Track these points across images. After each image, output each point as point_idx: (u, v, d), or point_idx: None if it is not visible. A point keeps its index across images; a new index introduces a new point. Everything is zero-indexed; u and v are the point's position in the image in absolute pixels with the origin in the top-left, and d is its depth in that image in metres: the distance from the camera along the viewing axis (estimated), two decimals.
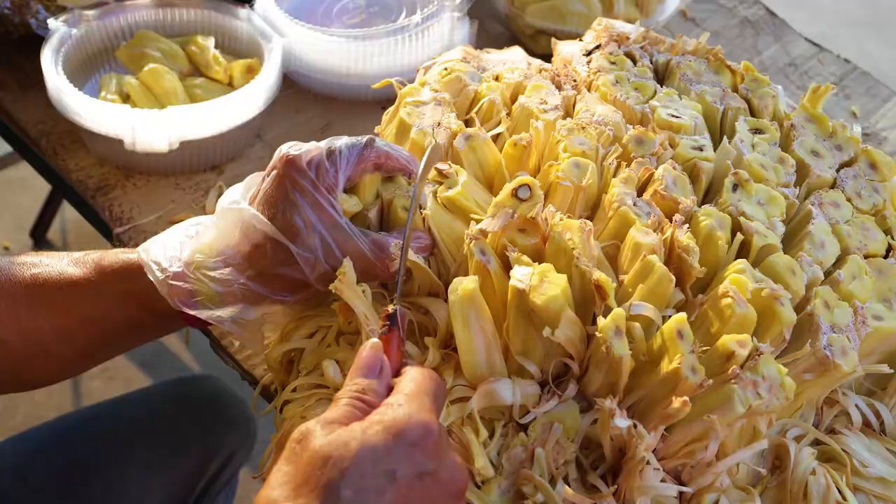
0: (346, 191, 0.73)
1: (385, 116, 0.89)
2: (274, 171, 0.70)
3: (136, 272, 0.72)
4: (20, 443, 1.06)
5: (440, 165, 0.76)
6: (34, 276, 0.73)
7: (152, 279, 0.71)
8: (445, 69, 0.89)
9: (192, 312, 0.71)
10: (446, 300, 0.74)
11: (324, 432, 0.55)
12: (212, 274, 0.70)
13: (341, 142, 0.71)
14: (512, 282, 0.67)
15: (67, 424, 1.10)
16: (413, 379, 0.59)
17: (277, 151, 0.71)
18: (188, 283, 0.70)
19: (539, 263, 0.69)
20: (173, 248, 0.72)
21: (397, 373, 0.62)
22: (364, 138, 0.73)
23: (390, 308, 0.64)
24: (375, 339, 0.62)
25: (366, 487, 0.53)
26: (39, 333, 0.73)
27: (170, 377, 1.29)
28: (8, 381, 0.76)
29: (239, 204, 0.71)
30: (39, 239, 2.20)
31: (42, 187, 2.20)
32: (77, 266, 0.74)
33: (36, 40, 1.11)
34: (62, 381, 0.81)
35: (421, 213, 0.74)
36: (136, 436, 1.08)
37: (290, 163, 0.69)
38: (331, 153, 0.70)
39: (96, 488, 1.02)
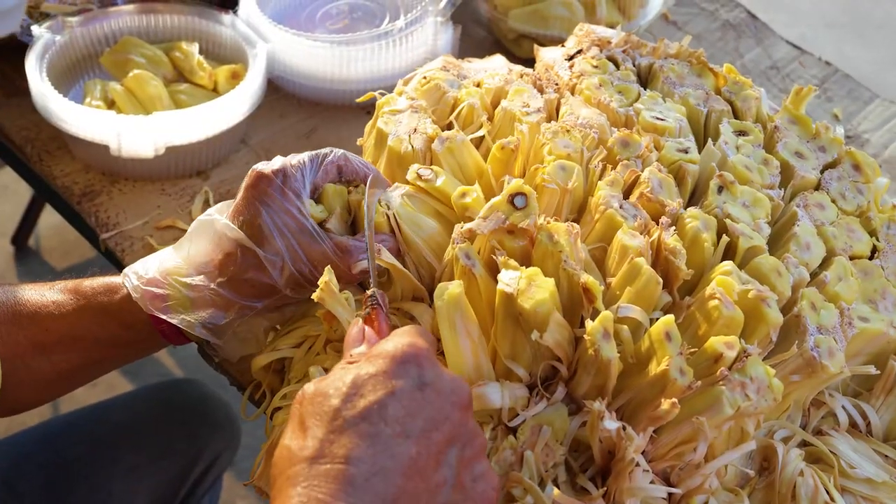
0: (313, 200, 0.76)
1: (367, 128, 0.89)
2: (244, 184, 0.74)
3: (114, 290, 0.76)
4: (6, 447, 1.05)
5: (422, 170, 0.77)
6: (16, 298, 0.77)
7: (127, 286, 0.74)
8: (425, 78, 0.89)
9: (162, 317, 0.73)
10: (430, 304, 0.75)
11: (319, 378, 0.58)
12: (184, 280, 0.74)
13: (303, 154, 0.76)
14: (500, 286, 0.67)
15: (53, 428, 1.09)
16: (396, 332, 0.61)
17: (250, 170, 0.76)
18: (161, 288, 0.74)
19: (526, 266, 0.69)
20: (152, 262, 0.76)
21: None
22: (330, 149, 0.77)
23: (369, 292, 0.66)
24: (359, 319, 0.65)
25: (367, 406, 0.54)
26: (18, 349, 0.75)
27: (152, 382, 1.29)
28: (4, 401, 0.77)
29: (212, 216, 0.75)
30: (21, 245, 2.18)
31: (23, 194, 2.18)
32: (57, 290, 0.78)
33: (19, 47, 1.10)
34: (41, 404, 0.83)
35: (386, 216, 0.75)
36: (121, 439, 1.08)
37: (259, 174, 0.73)
38: (294, 163, 0.75)
39: (82, 492, 1.02)
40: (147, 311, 0.74)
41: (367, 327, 0.64)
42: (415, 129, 0.81)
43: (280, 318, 0.80)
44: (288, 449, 0.55)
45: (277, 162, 0.74)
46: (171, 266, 0.75)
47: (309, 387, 0.57)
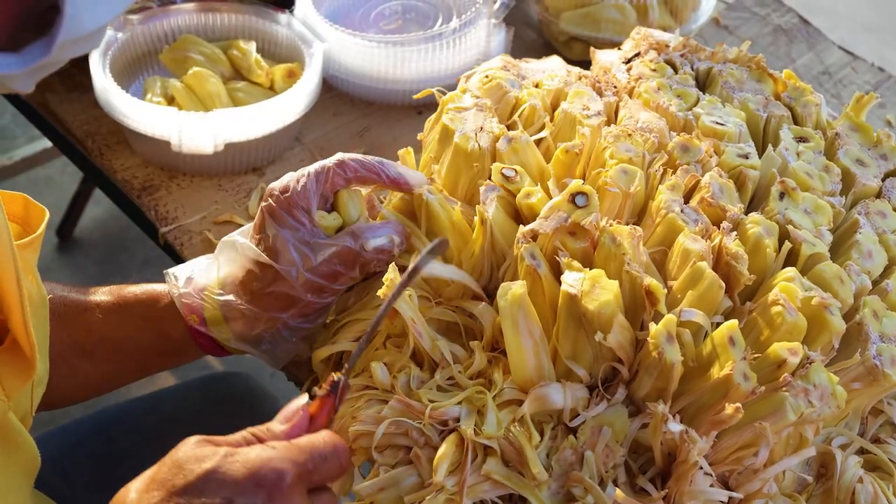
0: (331, 208, 0.78)
1: (427, 123, 0.90)
2: (260, 204, 0.77)
3: (155, 300, 0.79)
4: (60, 435, 1.07)
5: (506, 170, 0.78)
6: (61, 298, 0.80)
7: (172, 291, 0.78)
8: (486, 76, 0.90)
9: (200, 329, 0.77)
10: (490, 303, 0.76)
11: (196, 442, 0.60)
12: (215, 298, 0.77)
13: (311, 166, 0.77)
14: (563, 287, 0.68)
15: (104, 418, 1.11)
16: (312, 435, 0.61)
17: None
18: (197, 302, 0.77)
19: (587, 268, 0.70)
20: (190, 271, 0.80)
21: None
22: (333, 157, 0.78)
23: (335, 376, 0.65)
24: (304, 395, 0.65)
25: None
26: (62, 347, 0.78)
27: (195, 374, 1.31)
28: (48, 397, 0.79)
29: (233, 237, 0.78)
30: (66, 237, 2.22)
31: (68, 186, 2.22)
32: (102, 294, 0.81)
33: None
34: (87, 400, 0.86)
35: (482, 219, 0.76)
36: (169, 431, 1.09)
37: (268, 194, 0.76)
38: (301, 175, 0.77)
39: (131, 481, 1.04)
40: (187, 321, 0.77)
41: (302, 411, 0.64)
42: (481, 128, 0.82)
43: (314, 331, 0.82)
44: (127, 489, 0.59)
45: (284, 180, 0.77)
46: (204, 282, 0.78)
47: (184, 445, 0.60)
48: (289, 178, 0.77)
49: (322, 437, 0.61)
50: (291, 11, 1.17)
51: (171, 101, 1.08)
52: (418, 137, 0.91)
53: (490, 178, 0.79)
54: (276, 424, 0.63)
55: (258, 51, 1.14)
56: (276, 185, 0.77)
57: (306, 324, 0.79)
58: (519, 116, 0.87)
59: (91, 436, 1.07)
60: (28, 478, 0.74)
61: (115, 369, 0.82)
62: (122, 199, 1.07)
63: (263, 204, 0.76)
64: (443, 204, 0.78)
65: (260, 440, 0.62)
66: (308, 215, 0.75)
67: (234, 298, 0.76)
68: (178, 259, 0.99)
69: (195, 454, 0.59)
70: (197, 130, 1.01)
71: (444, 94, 0.90)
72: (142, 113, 1.02)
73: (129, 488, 0.60)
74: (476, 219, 0.76)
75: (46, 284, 0.80)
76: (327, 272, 0.75)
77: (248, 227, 0.79)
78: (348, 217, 0.78)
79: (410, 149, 0.87)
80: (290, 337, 0.79)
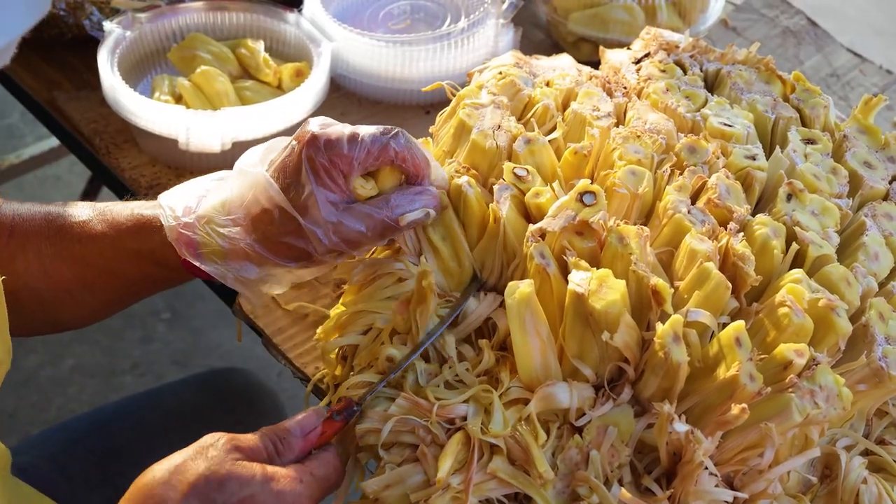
0: (366, 175, 0.74)
1: (440, 117, 0.90)
2: (295, 144, 0.72)
3: (149, 229, 0.76)
4: (60, 432, 1.08)
5: (518, 170, 0.78)
6: (58, 230, 0.78)
7: (164, 224, 0.74)
8: (500, 73, 0.90)
9: (196, 263, 0.74)
10: (501, 304, 0.76)
11: (232, 452, 0.64)
12: (220, 230, 0.73)
13: (366, 130, 0.72)
14: (570, 286, 0.68)
15: (104, 414, 1.12)
16: (325, 464, 0.67)
17: (305, 124, 0.73)
18: (197, 234, 0.73)
19: (595, 267, 0.70)
20: (191, 199, 0.75)
21: (317, 447, 0.69)
22: (391, 130, 0.73)
23: (355, 405, 0.70)
24: (322, 408, 0.69)
25: None
26: (64, 282, 0.78)
27: (196, 371, 1.31)
28: (43, 325, 0.83)
29: (256, 167, 0.73)
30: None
31: (76, 185, 2.22)
32: (96, 219, 0.78)
33: (88, 42, 1.13)
34: (92, 324, 0.87)
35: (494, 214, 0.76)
36: (170, 426, 1.10)
37: (312, 140, 0.71)
38: (353, 138, 0.71)
39: (131, 476, 1.04)
40: (181, 255, 0.74)
41: (319, 426, 0.68)
42: (499, 126, 0.82)
43: (313, 274, 0.79)
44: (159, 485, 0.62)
45: (335, 131, 0.71)
46: (207, 211, 0.74)
47: (213, 450, 0.64)
48: (337, 132, 0.71)
49: (333, 466, 0.67)
50: (300, 10, 1.17)
51: (178, 99, 1.08)
52: (430, 131, 0.91)
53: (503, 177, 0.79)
54: (293, 436, 0.67)
55: (266, 50, 1.15)
56: (322, 135, 0.71)
57: (308, 273, 0.78)
58: (533, 116, 0.87)
59: (90, 432, 1.07)
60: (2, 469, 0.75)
61: (114, 297, 0.82)
62: (130, 197, 1.07)
63: (306, 151, 0.70)
64: (479, 198, 0.78)
65: (277, 451, 0.66)
66: (347, 180, 0.71)
67: (240, 234, 0.72)
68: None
69: (238, 474, 0.62)
70: (204, 129, 1.01)
71: (456, 89, 0.90)
72: (149, 111, 1.02)
73: (159, 482, 0.62)
74: (490, 218, 0.77)
75: (37, 207, 0.79)
76: (354, 239, 0.72)
77: (264, 150, 0.75)
78: (384, 189, 0.75)
79: (430, 139, 0.87)
80: (281, 280, 0.77)
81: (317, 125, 0.72)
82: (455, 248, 0.78)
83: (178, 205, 0.75)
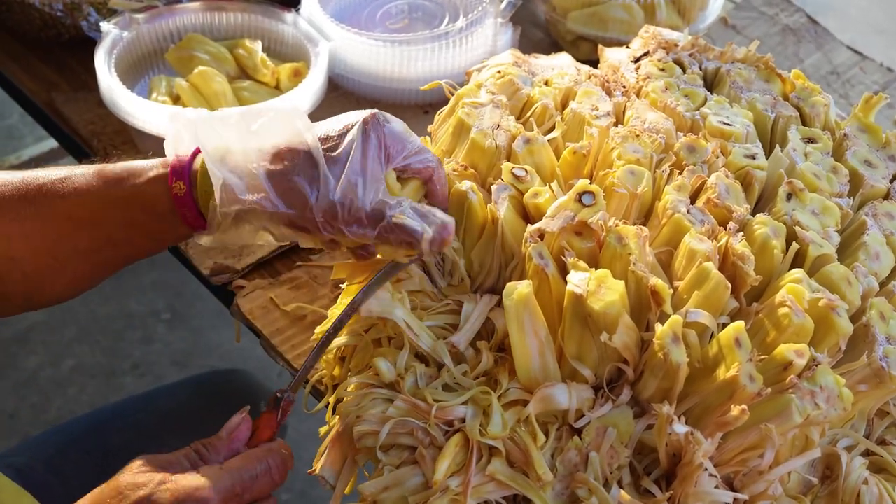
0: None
1: (438, 116, 0.90)
2: (355, 113, 0.73)
3: (137, 175, 0.74)
4: (54, 434, 1.08)
5: (516, 170, 0.78)
6: (38, 188, 0.75)
7: (172, 121, 0.73)
8: (499, 72, 0.90)
9: (202, 151, 0.71)
10: (499, 304, 0.75)
11: (139, 467, 0.65)
12: (240, 141, 0.72)
13: (417, 139, 0.75)
14: (569, 287, 0.68)
15: (100, 416, 1.12)
16: (245, 457, 0.67)
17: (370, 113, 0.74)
18: (215, 131, 0.72)
19: (594, 267, 0.69)
20: (216, 132, 0.73)
21: (253, 444, 0.69)
22: (432, 155, 0.75)
23: (279, 392, 0.70)
24: (246, 408, 0.70)
25: None
26: (47, 242, 0.75)
27: (195, 372, 1.31)
28: (21, 301, 0.78)
29: (297, 112, 0.73)
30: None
31: None
32: (79, 177, 0.75)
33: (85, 43, 1.13)
34: (74, 297, 0.82)
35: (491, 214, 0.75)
36: (166, 427, 1.10)
37: (374, 115, 0.72)
38: (409, 132, 0.74)
39: None
40: (178, 154, 0.73)
41: (245, 424, 0.69)
42: (498, 125, 0.82)
43: (282, 238, 0.75)
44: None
45: (397, 121, 0.74)
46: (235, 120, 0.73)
47: (133, 465, 0.66)
48: (402, 126, 0.74)
49: (254, 456, 0.66)
50: (297, 10, 1.17)
51: (176, 100, 1.07)
52: (429, 130, 0.91)
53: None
54: (219, 438, 0.68)
55: (264, 50, 1.14)
56: (384, 115, 0.73)
57: (280, 235, 0.74)
58: (531, 115, 0.87)
59: (87, 434, 1.07)
60: None
61: (102, 257, 0.78)
62: None
63: (366, 120, 0.71)
64: (481, 203, 0.78)
65: (201, 456, 0.67)
66: (386, 165, 0.72)
67: (255, 155, 0.71)
68: (183, 258, 0.99)
69: (134, 481, 0.64)
70: None
71: (455, 88, 0.90)
72: (147, 112, 1.02)
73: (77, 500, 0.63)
74: (488, 217, 0.76)
75: (11, 174, 0.76)
76: (354, 214, 0.70)
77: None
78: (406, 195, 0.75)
79: (428, 139, 0.87)
80: (253, 221, 0.73)
81: (382, 113, 0.73)
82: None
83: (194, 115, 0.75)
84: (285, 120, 0.72)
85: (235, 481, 0.65)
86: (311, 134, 0.71)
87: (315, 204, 0.70)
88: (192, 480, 0.64)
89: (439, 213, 0.72)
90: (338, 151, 0.70)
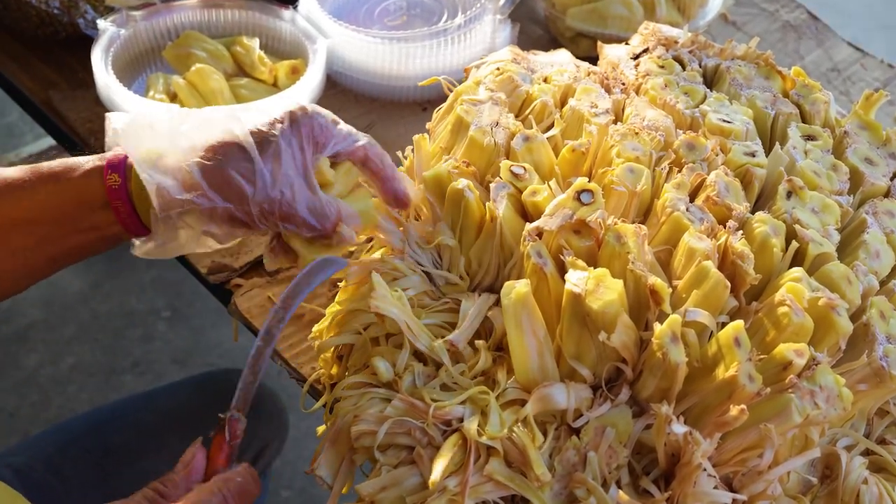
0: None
1: (436, 113, 0.89)
2: (282, 107, 0.74)
3: (73, 168, 0.72)
4: (56, 433, 1.07)
5: (515, 168, 0.77)
6: None
7: (108, 120, 0.72)
8: (498, 69, 0.89)
9: (130, 156, 0.70)
10: (497, 303, 0.75)
11: None
12: (170, 140, 0.71)
13: (344, 125, 0.76)
14: (567, 286, 0.67)
15: (100, 416, 1.11)
16: (199, 490, 0.65)
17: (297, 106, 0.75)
18: (144, 132, 0.72)
19: (592, 266, 0.69)
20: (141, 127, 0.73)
21: (209, 473, 0.68)
22: (365, 137, 0.77)
23: (225, 414, 0.69)
24: (199, 439, 0.69)
25: None
26: None
27: (199, 372, 1.31)
28: None
29: (234, 112, 0.74)
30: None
31: None
32: (12, 171, 0.74)
33: (82, 40, 1.13)
34: (8, 297, 0.79)
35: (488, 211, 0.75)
36: (167, 427, 1.10)
37: (302, 108, 0.74)
38: (336, 121, 0.75)
39: (127, 477, 1.04)
40: (109, 143, 0.72)
41: (198, 456, 0.68)
42: (497, 123, 0.82)
43: (225, 238, 0.75)
44: None
45: (324, 111, 0.75)
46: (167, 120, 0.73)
47: None
48: (327, 113, 0.75)
49: (208, 489, 0.66)
50: (295, 7, 1.17)
51: (173, 98, 1.07)
52: (427, 127, 0.91)
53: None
54: (175, 474, 0.67)
55: (261, 47, 1.14)
56: (311, 107, 0.74)
57: (217, 236, 0.74)
58: (531, 112, 0.86)
59: (86, 434, 1.06)
60: None
61: (38, 256, 0.74)
62: None
63: (293, 112, 0.73)
64: (478, 201, 0.77)
65: (161, 493, 0.66)
66: (316, 155, 0.74)
67: (184, 153, 0.70)
68: (181, 258, 0.98)
69: None
70: None
71: (454, 84, 0.89)
72: (144, 110, 1.01)
73: None
74: (486, 215, 0.76)
75: None
76: (287, 209, 0.72)
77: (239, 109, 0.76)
78: (340, 185, 0.78)
79: (426, 136, 0.87)
80: (192, 224, 0.73)
81: (308, 105, 0.75)
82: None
83: (128, 122, 0.73)
84: (216, 118, 0.73)
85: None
86: (240, 126, 0.71)
87: (252, 199, 0.70)
88: None
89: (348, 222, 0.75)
90: (270, 147, 0.71)
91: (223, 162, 0.70)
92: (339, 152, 0.76)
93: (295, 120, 0.72)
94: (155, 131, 0.72)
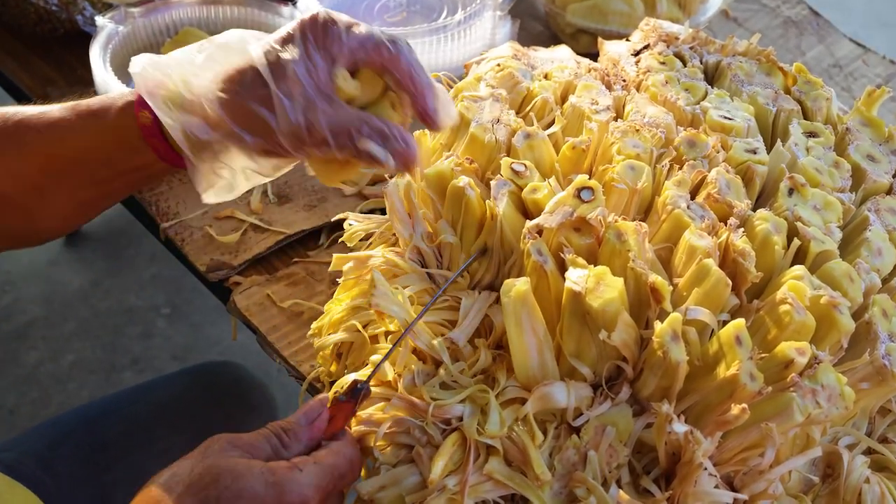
0: (351, 74, 0.68)
1: None
2: (296, 21, 0.68)
3: (108, 108, 0.72)
4: (45, 428, 1.07)
5: (515, 165, 0.77)
6: (16, 124, 0.73)
7: (133, 64, 0.69)
8: (498, 65, 0.89)
9: (148, 102, 0.68)
10: (497, 301, 0.75)
11: (229, 450, 0.62)
12: (188, 78, 0.68)
13: (365, 27, 0.68)
14: (567, 284, 0.67)
15: (92, 410, 1.11)
16: (334, 453, 0.64)
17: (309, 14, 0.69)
18: (161, 72, 0.68)
19: (592, 264, 0.69)
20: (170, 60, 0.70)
21: (333, 437, 0.66)
22: (394, 36, 0.69)
23: (359, 383, 0.67)
24: (324, 396, 0.66)
25: None
26: (31, 178, 0.74)
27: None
28: (20, 232, 0.78)
29: (247, 41, 0.68)
30: (73, 231, 2.22)
31: None
32: (57, 108, 0.74)
33: (81, 37, 1.12)
34: (68, 231, 0.83)
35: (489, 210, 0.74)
36: (158, 420, 1.09)
37: (313, 16, 0.67)
38: (351, 25, 0.68)
39: (118, 471, 1.03)
40: (138, 90, 0.69)
41: (325, 412, 0.66)
42: (498, 119, 0.81)
43: (271, 171, 0.72)
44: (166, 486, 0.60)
45: (341, 16, 0.68)
46: (180, 58, 0.69)
47: (217, 445, 0.62)
48: (344, 18, 0.68)
49: (344, 454, 0.64)
50: (294, 4, 1.16)
51: None
52: None
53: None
54: (298, 425, 0.65)
55: None
56: (324, 14, 0.67)
57: (260, 167, 0.70)
58: (531, 109, 0.86)
59: (77, 428, 1.06)
60: None
61: (85, 196, 0.76)
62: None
63: (303, 23, 0.66)
64: (479, 199, 0.77)
65: (282, 441, 0.64)
66: (332, 66, 0.66)
67: (206, 85, 0.67)
68: (180, 255, 0.98)
69: (233, 468, 0.60)
70: None
71: (453, 81, 0.89)
72: None
73: (162, 485, 0.60)
74: (487, 214, 0.75)
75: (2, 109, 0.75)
76: (317, 131, 0.65)
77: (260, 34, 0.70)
78: (363, 96, 0.69)
79: (426, 132, 0.86)
80: (231, 162, 0.70)
81: (319, 10, 0.68)
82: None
83: (156, 59, 0.70)
84: (231, 42, 0.69)
85: (329, 478, 0.62)
86: (255, 48, 0.67)
87: (277, 129, 0.66)
88: (292, 475, 0.60)
89: (401, 134, 0.67)
90: (284, 69, 0.65)
91: (241, 93, 0.66)
92: (356, 61, 0.67)
93: (304, 33, 0.66)
94: (173, 68, 0.69)
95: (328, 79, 0.66)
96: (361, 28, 0.68)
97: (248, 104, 0.66)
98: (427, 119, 0.69)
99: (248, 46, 0.67)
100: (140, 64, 0.69)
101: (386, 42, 0.68)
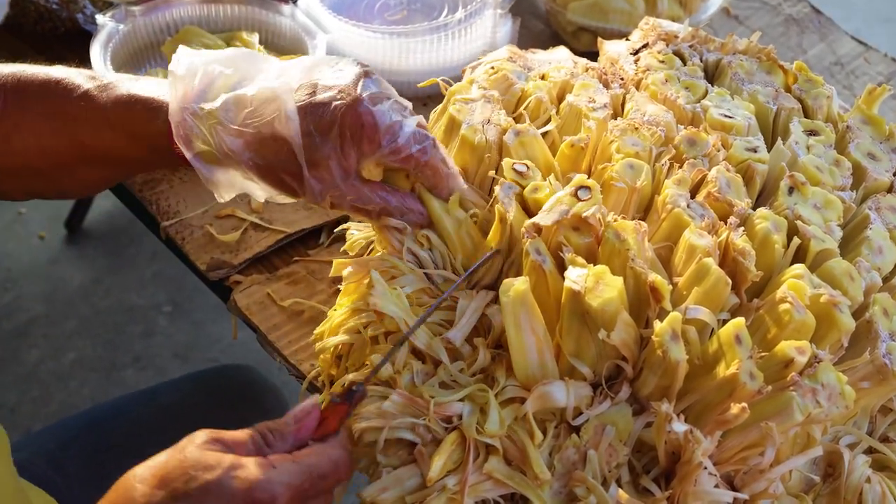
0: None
1: (433, 114, 0.89)
2: (338, 97, 0.71)
3: (144, 114, 0.75)
4: (56, 429, 1.08)
5: (517, 165, 0.77)
6: (56, 109, 0.77)
7: (171, 101, 0.73)
8: (492, 68, 0.89)
9: (187, 157, 0.74)
10: (496, 300, 0.74)
11: (205, 444, 0.62)
12: (223, 137, 0.72)
13: (406, 127, 0.72)
14: (567, 283, 0.67)
15: (101, 412, 1.11)
16: (316, 453, 0.63)
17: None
18: (197, 129, 0.73)
19: (592, 263, 0.68)
20: (202, 79, 0.74)
21: (324, 438, 0.65)
22: (425, 139, 0.74)
23: (355, 385, 0.68)
24: (316, 396, 0.66)
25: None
26: (62, 158, 0.78)
27: (201, 367, 1.31)
28: (40, 193, 0.83)
29: (287, 90, 0.71)
30: (74, 229, 2.22)
31: None
32: (94, 100, 0.77)
33: (81, 36, 1.12)
34: (99, 192, 0.88)
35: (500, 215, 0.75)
36: (168, 423, 1.10)
37: (356, 109, 0.70)
38: (390, 130, 0.71)
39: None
40: (176, 142, 0.73)
41: (314, 413, 0.66)
42: (488, 120, 0.81)
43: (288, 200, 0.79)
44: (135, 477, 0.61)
45: (380, 113, 0.71)
46: (218, 107, 0.72)
47: (196, 440, 0.62)
48: (380, 116, 0.71)
49: (328, 455, 0.63)
50: (295, 2, 1.16)
51: None
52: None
53: (500, 173, 0.77)
54: (286, 424, 0.65)
55: (261, 42, 1.13)
56: (366, 111, 0.70)
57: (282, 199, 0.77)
58: (525, 109, 0.86)
59: (86, 430, 1.06)
60: (4, 453, 0.76)
61: (111, 174, 0.82)
62: (125, 192, 1.06)
63: (346, 116, 0.70)
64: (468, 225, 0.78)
65: (266, 440, 0.64)
66: (362, 160, 0.72)
67: (240, 148, 0.71)
68: (180, 254, 0.98)
69: (203, 460, 0.60)
70: None
71: (450, 84, 0.89)
72: None
73: (136, 476, 0.61)
74: (496, 218, 0.75)
75: (37, 75, 0.80)
76: (339, 205, 0.74)
77: (303, 71, 0.73)
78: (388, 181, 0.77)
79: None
80: (254, 193, 0.76)
81: (368, 92, 0.71)
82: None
83: (191, 86, 0.73)
84: (271, 97, 0.71)
85: (306, 478, 0.61)
86: (297, 136, 0.70)
87: (304, 197, 0.73)
88: (264, 471, 0.60)
89: (416, 207, 0.76)
90: (319, 153, 0.71)
91: (275, 164, 0.72)
92: (387, 162, 0.73)
93: (343, 132, 0.70)
94: (205, 115, 0.72)
95: (356, 167, 0.73)
96: (402, 130, 0.72)
97: (281, 175, 0.72)
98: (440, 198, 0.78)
99: (285, 107, 0.70)
100: (176, 109, 0.73)
101: (415, 154, 0.73)
